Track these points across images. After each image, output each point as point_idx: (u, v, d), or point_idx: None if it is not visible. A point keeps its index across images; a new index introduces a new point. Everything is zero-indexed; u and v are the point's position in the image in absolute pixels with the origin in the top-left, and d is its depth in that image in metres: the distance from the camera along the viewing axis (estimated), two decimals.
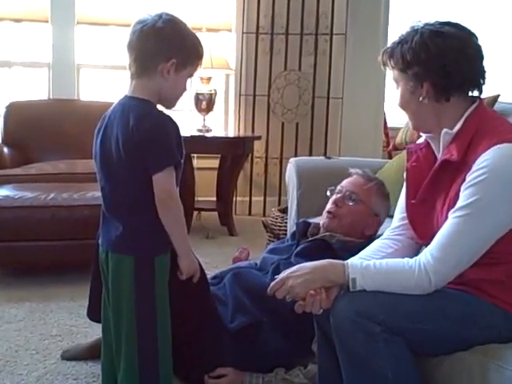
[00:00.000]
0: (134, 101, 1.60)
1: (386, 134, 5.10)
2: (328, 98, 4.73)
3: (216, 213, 4.36)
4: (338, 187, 2.20)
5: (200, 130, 4.21)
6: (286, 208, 3.11)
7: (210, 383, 1.91)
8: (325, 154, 4.44)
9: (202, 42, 1.66)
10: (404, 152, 2.92)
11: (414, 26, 1.55)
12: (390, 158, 4.52)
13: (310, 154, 4.64)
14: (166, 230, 1.60)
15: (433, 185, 1.56)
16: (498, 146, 1.42)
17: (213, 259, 3.26)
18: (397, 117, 4.97)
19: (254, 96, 4.71)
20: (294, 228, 2.31)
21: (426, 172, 1.59)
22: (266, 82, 4.70)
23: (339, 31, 4.67)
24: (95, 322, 2.10)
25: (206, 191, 4.45)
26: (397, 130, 4.94)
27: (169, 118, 1.59)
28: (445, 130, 1.53)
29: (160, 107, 1.65)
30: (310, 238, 2.16)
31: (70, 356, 2.21)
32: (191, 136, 4.13)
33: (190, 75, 1.65)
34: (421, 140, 1.70)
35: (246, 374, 1.92)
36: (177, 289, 1.68)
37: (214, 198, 4.46)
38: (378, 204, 2.18)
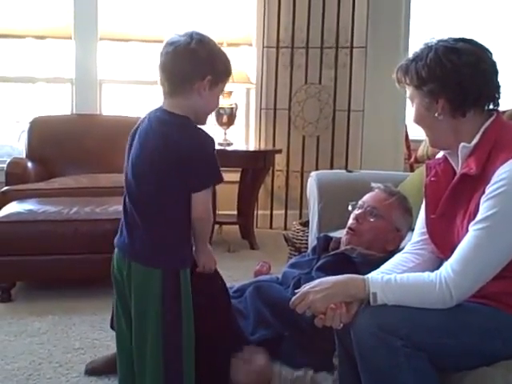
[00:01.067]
0: (174, 116, 1.63)
1: (408, 147, 5.08)
2: (349, 111, 4.72)
3: (237, 226, 4.36)
4: (360, 202, 2.19)
5: (221, 144, 4.23)
6: (307, 221, 3.10)
7: (241, 366, 1.87)
8: (346, 168, 4.42)
9: (229, 59, 1.71)
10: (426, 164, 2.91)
11: (427, 43, 1.56)
12: (412, 170, 4.50)
13: (331, 168, 4.63)
14: (195, 241, 1.66)
15: (452, 199, 1.55)
16: None
17: (234, 273, 3.25)
18: (418, 129, 4.95)
19: (275, 110, 4.72)
20: (315, 242, 2.30)
21: (445, 187, 1.58)
22: (287, 96, 4.71)
23: (359, 44, 4.67)
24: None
25: (227, 205, 4.46)
26: (418, 142, 4.93)
27: (209, 135, 1.63)
28: (462, 144, 1.53)
29: None
30: (332, 252, 2.15)
31: (92, 370, 2.21)
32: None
33: (222, 91, 1.70)
34: (439, 155, 1.70)
35: (276, 363, 1.90)
36: (200, 303, 1.69)
37: (235, 212, 4.47)
38: (399, 219, 2.16)
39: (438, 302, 1.42)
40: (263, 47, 4.69)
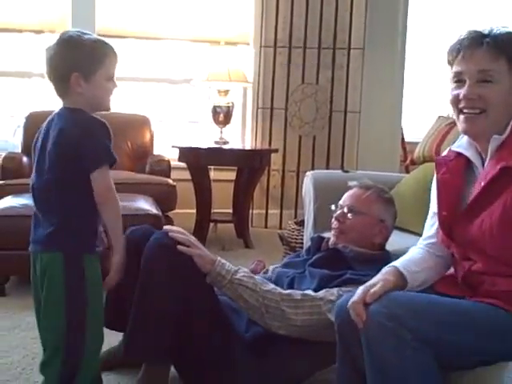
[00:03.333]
0: (68, 110, 1.69)
1: (404, 149, 5.09)
2: (345, 112, 4.73)
3: (232, 225, 4.36)
4: (339, 202, 2.19)
5: (217, 142, 4.23)
6: (303, 221, 3.11)
7: (180, 249, 1.87)
8: (342, 168, 4.43)
9: (103, 42, 1.70)
10: (421, 166, 2.92)
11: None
12: (408, 172, 4.50)
13: (327, 168, 4.64)
14: (106, 225, 1.68)
15: (488, 193, 1.51)
16: None
17: None
18: (414, 131, 4.96)
19: (272, 109, 4.73)
20: (310, 243, 2.30)
21: (459, 182, 1.58)
22: (284, 96, 4.71)
23: (357, 45, 4.68)
24: (107, 329, 2.09)
25: (222, 203, 4.46)
26: (414, 144, 4.93)
27: (101, 122, 1.67)
28: (494, 136, 1.52)
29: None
30: (323, 250, 2.16)
31: None
32: (208, 148, 4.15)
33: (109, 75, 1.71)
34: (445, 153, 1.70)
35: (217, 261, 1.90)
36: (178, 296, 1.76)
37: (231, 210, 4.47)
38: (380, 210, 2.15)
39: None
40: (260, 46, 4.69)
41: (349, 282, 1.91)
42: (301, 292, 1.90)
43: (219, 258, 1.91)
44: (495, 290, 1.46)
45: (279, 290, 1.90)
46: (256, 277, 1.94)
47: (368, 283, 1.52)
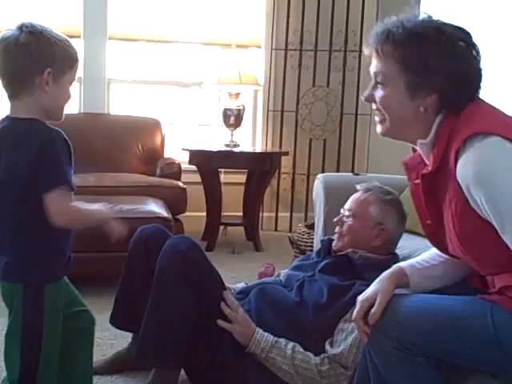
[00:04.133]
0: (18, 121, 1.52)
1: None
2: (356, 115, 4.72)
3: (242, 228, 4.36)
4: (345, 206, 2.19)
5: (228, 145, 4.23)
6: (313, 224, 3.10)
7: (220, 324, 1.92)
8: (352, 171, 4.42)
9: (72, 44, 1.58)
10: None
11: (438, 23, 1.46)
12: None
13: (338, 171, 4.63)
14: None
15: (430, 202, 1.46)
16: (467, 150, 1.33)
17: (238, 274, 3.26)
18: None
19: (282, 112, 4.72)
20: (320, 245, 2.30)
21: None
22: (294, 98, 4.71)
23: None
24: (118, 329, 2.10)
25: (232, 206, 4.46)
26: None
27: (57, 133, 1.52)
28: (419, 141, 1.47)
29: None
30: (334, 255, 2.15)
31: (92, 372, 2.21)
32: (219, 151, 4.15)
33: (71, 81, 1.58)
34: (411, 153, 1.61)
35: (257, 329, 1.93)
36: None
37: (241, 213, 4.47)
38: (377, 213, 2.11)
39: None
40: (272, 49, 4.70)
41: (358, 296, 1.90)
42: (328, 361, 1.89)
43: (255, 336, 1.91)
44: (499, 288, 1.40)
45: (312, 360, 1.88)
46: (289, 346, 1.90)
47: (363, 296, 1.49)
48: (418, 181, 1.49)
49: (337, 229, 2.15)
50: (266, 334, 1.92)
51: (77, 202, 1.59)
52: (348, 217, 2.12)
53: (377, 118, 1.53)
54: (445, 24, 1.47)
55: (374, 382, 1.50)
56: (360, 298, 1.50)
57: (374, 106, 1.52)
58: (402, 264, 1.58)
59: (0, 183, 1.52)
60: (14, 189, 1.50)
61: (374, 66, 1.50)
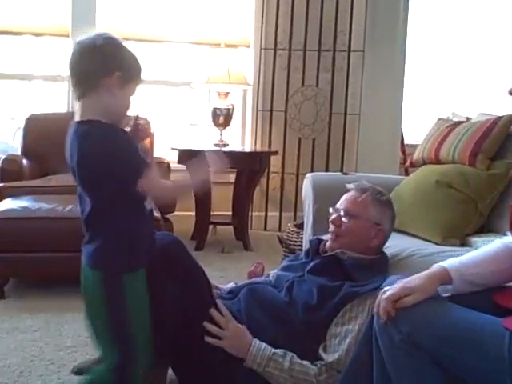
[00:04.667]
0: (84, 126, 1.61)
1: (403, 151, 5.09)
2: (345, 114, 4.74)
3: (232, 227, 4.36)
4: (337, 205, 2.19)
5: (217, 145, 4.23)
6: (302, 223, 3.11)
7: (209, 340, 1.88)
8: (341, 170, 4.44)
9: (140, 61, 1.68)
10: (421, 169, 2.92)
11: None
12: (407, 174, 4.50)
13: (327, 170, 4.64)
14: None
15: None
16: None
17: (228, 274, 3.26)
18: (414, 133, 4.96)
19: (271, 111, 4.73)
20: (309, 245, 2.30)
21: None
22: (284, 98, 4.72)
23: (357, 48, 4.68)
24: None
25: (221, 205, 4.46)
26: (414, 147, 4.95)
27: (117, 131, 1.62)
28: None
29: None
30: (323, 255, 2.15)
31: (81, 372, 2.21)
32: (208, 150, 4.14)
33: (133, 93, 1.67)
34: None
35: (253, 342, 1.88)
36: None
37: (230, 213, 4.47)
38: (376, 213, 2.13)
39: None
40: (261, 49, 4.70)
41: (348, 297, 1.91)
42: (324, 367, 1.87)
43: (251, 350, 1.87)
44: None
45: (311, 371, 1.86)
46: (287, 358, 1.87)
47: (407, 283, 1.48)
48: None
49: (332, 229, 2.15)
50: (263, 346, 1.87)
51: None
52: (345, 217, 2.12)
53: None
54: None
55: (376, 374, 1.52)
56: (402, 283, 1.48)
57: None
58: (447, 265, 1.54)
59: (82, 180, 1.62)
60: (93, 188, 1.61)
61: None
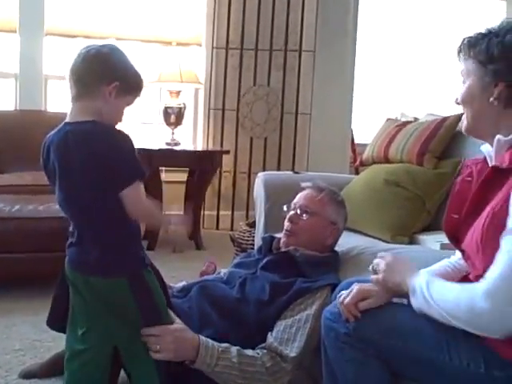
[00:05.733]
0: (83, 124, 1.62)
1: (354, 150, 5.16)
2: (296, 114, 4.78)
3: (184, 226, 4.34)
4: (292, 203, 2.21)
5: (168, 144, 4.21)
6: (254, 222, 3.12)
7: (155, 357, 1.76)
8: (293, 169, 4.47)
9: (142, 76, 1.72)
10: (370, 168, 2.97)
11: (510, 22, 1.43)
12: (357, 173, 4.56)
13: (278, 169, 4.67)
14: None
15: (480, 195, 1.43)
16: None
17: (180, 273, 3.24)
18: (364, 133, 5.04)
19: (223, 110, 4.73)
20: (261, 243, 2.32)
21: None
22: (235, 97, 4.72)
23: (308, 48, 4.73)
24: (55, 331, 2.06)
25: (173, 205, 4.44)
26: (364, 146, 5.03)
27: (123, 132, 1.63)
28: (498, 136, 1.42)
29: None
30: (275, 252, 2.17)
31: (30, 375, 2.17)
32: (159, 149, 4.12)
33: (129, 104, 1.71)
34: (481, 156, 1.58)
35: (201, 341, 1.80)
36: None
37: (182, 212, 4.44)
38: (333, 212, 2.19)
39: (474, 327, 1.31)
40: (212, 48, 4.69)
41: (299, 292, 1.94)
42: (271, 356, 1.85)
43: (201, 351, 1.77)
44: None
45: (258, 361, 1.82)
46: (233, 353, 1.81)
47: (365, 285, 1.52)
48: (469, 178, 1.52)
49: (287, 226, 2.17)
50: (210, 343, 1.80)
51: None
52: (304, 214, 2.14)
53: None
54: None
55: (325, 374, 1.56)
56: (358, 286, 1.51)
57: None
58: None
59: (77, 182, 1.61)
60: (93, 187, 1.59)
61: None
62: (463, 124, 1.52)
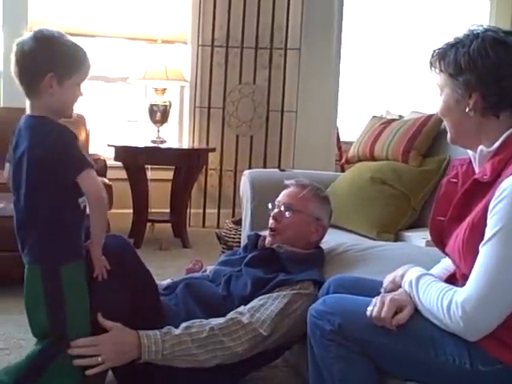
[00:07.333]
0: (34, 119, 1.67)
1: (339, 148, 5.18)
2: (282, 112, 4.78)
3: (170, 224, 4.34)
4: (276, 201, 2.22)
5: (154, 142, 4.20)
6: (240, 220, 3.12)
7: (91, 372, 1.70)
8: (279, 167, 4.47)
9: (82, 48, 1.70)
10: (356, 165, 2.98)
11: (473, 30, 1.41)
12: (343, 171, 4.58)
13: (264, 167, 4.67)
14: (92, 223, 1.67)
15: (463, 204, 1.43)
16: None
17: (166, 271, 3.23)
18: (349, 131, 5.05)
19: (209, 108, 4.72)
20: (247, 241, 2.32)
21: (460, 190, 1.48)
22: (221, 95, 4.72)
23: (293, 46, 4.73)
24: None
25: (159, 203, 4.43)
26: (349, 144, 5.04)
27: (66, 129, 1.66)
28: (481, 147, 1.42)
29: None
30: (259, 248, 2.18)
31: None
32: (145, 147, 4.11)
33: (79, 82, 1.70)
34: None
35: (140, 333, 1.74)
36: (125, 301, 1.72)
37: (168, 210, 4.44)
38: (316, 209, 2.19)
39: (452, 329, 1.36)
40: (198, 45, 4.69)
41: (279, 285, 1.94)
42: (225, 319, 1.84)
43: (142, 341, 1.72)
44: None
45: (207, 325, 1.80)
46: (177, 332, 1.78)
47: (395, 294, 1.46)
48: (454, 180, 1.52)
49: (271, 224, 2.18)
50: (151, 332, 1.75)
51: None
52: (288, 211, 2.15)
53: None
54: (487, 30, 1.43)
55: (311, 372, 1.57)
56: (390, 297, 1.45)
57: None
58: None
59: (24, 175, 1.63)
60: (36, 180, 1.62)
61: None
62: (447, 135, 1.52)
